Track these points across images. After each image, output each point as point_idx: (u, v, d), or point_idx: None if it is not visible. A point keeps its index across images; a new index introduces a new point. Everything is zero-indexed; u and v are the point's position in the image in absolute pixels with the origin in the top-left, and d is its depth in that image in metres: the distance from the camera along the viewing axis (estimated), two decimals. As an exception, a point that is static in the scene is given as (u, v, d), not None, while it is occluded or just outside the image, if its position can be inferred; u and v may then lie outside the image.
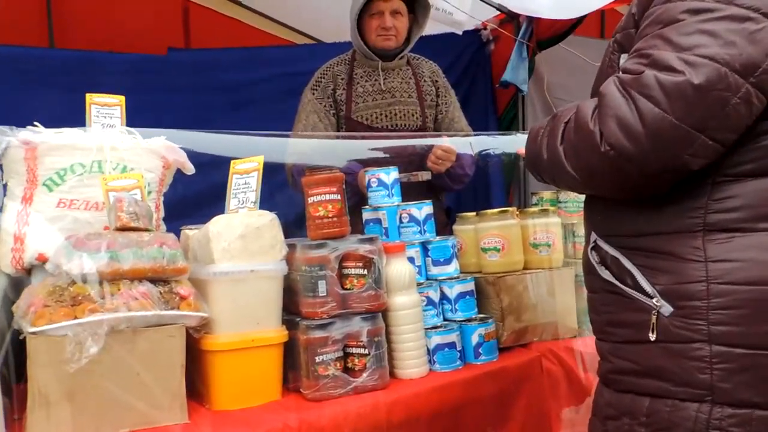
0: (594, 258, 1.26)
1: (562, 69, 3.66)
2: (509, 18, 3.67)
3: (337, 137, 2.44)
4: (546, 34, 3.54)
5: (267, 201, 1.62)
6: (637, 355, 1.17)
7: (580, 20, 3.37)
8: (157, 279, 1.36)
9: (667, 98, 1.02)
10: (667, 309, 1.12)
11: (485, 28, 3.78)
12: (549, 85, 3.64)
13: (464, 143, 2.59)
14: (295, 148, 2.50)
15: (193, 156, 1.76)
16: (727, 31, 1.01)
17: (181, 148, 1.76)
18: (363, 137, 2.43)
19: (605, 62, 1.25)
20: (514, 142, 2.38)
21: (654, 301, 1.13)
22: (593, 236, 1.28)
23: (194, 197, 2.30)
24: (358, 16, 2.49)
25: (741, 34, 1.01)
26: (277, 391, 1.50)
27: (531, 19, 3.54)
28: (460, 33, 3.45)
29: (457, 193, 3.45)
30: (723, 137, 1.05)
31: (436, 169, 2.43)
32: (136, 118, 1.71)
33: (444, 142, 2.42)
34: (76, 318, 1.23)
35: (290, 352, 1.52)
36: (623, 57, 1.20)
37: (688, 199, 1.12)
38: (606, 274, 1.22)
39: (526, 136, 1.31)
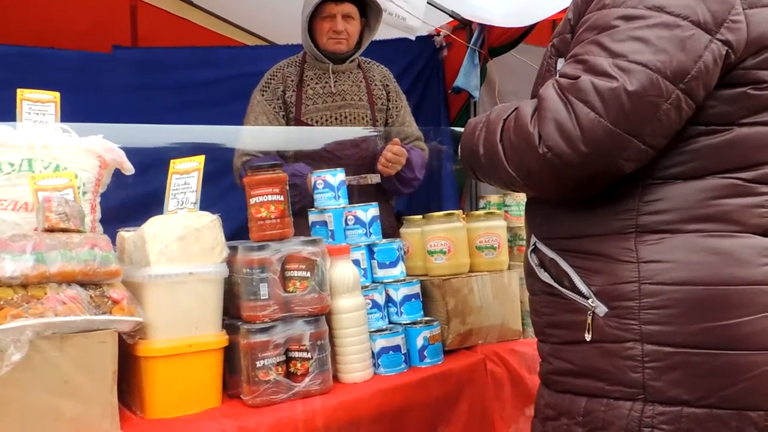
0: (533, 260, 1.27)
1: (513, 76, 3.72)
2: (462, 25, 3.71)
3: (288, 132, 2.41)
4: (498, 42, 3.60)
5: (216, 203, 1.58)
6: (575, 355, 1.19)
7: (530, 29, 3.44)
8: (88, 282, 1.30)
9: (603, 103, 1.04)
10: (601, 309, 1.14)
11: (438, 35, 3.81)
12: (500, 92, 3.69)
13: (415, 147, 2.60)
14: (243, 150, 2.46)
15: (136, 157, 1.71)
16: (659, 38, 1.04)
17: (121, 147, 1.71)
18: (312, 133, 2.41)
19: (543, 66, 1.27)
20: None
21: (589, 301, 1.15)
22: (533, 239, 1.30)
23: (138, 199, 2.23)
24: (309, 19, 2.47)
25: (671, 41, 1.04)
26: (217, 397, 1.45)
27: (483, 27, 3.59)
28: (413, 38, 3.46)
29: (409, 197, 3.46)
30: (655, 142, 1.08)
31: (386, 172, 2.43)
32: (77, 117, 1.65)
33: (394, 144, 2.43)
34: (-3, 323, 1.17)
35: (231, 357, 1.48)
36: (560, 61, 1.22)
37: (620, 201, 1.14)
38: (545, 276, 1.24)
39: None
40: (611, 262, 1.14)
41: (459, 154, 1.30)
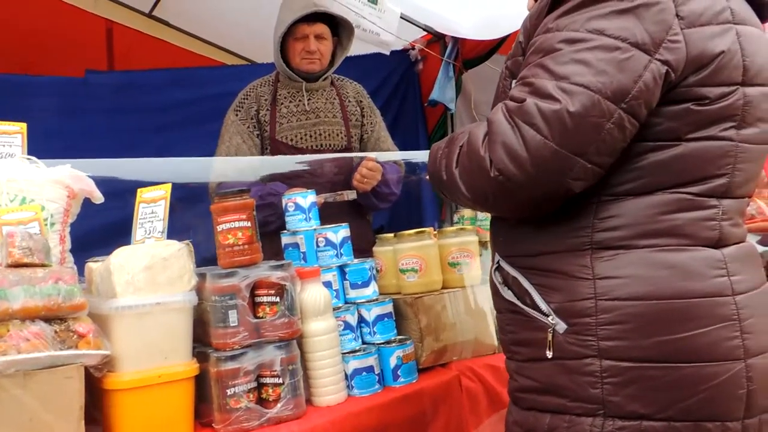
0: (497, 279, 1.29)
1: (489, 87, 3.73)
2: (436, 38, 3.75)
3: (261, 161, 2.42)
4: (472, 54, 3.64)
5: (190, 229, 1.57)
6: (538, 372, 1.20)
7: (503, 40, 3.48)
8: (53, 317, 1.29)
9: (547, 125, 1.06)
10: (561, 326, 1.15)
11: (413, 48, 3.84)
12: (476, 103, 3.73)
13: (391, 162, 2.61)
14: (219, 171, 2.46)
15: (107, 184, 1.70)
16: (599, 60, 1.07)
17: (90, 176, 1.70)
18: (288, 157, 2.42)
19: (499, 87, 1.29)
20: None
21: (549, 319, 1.17)
22: (496, 257, 1.31)
23: (110, 227, 2.23)
24: (281, 39, 2.49)
25: (611, 63, 1.06)
26: (189, 427, 1.44)
27: (457, 40, 3.63)
28: (388, 53, 3.49)
29: (391, 212, 3.48)
30: (600, 160, 1.10)
31: (361, 188, 2.45)
32: (53, 143, 1.65)
33: (369, 160, 2.44)
34: (-42, 364, 1.16)
35: (203, 385, 1.47)
36: (514, 83, 1.24)
37: (576, 218, 1.16)
38: (508, 295, 1.25)
39: None
40: (569, 279, 1.16)
41: (429, 178, 1.33)
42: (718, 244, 1.14)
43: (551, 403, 1.18)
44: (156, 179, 1.60)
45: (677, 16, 1.09)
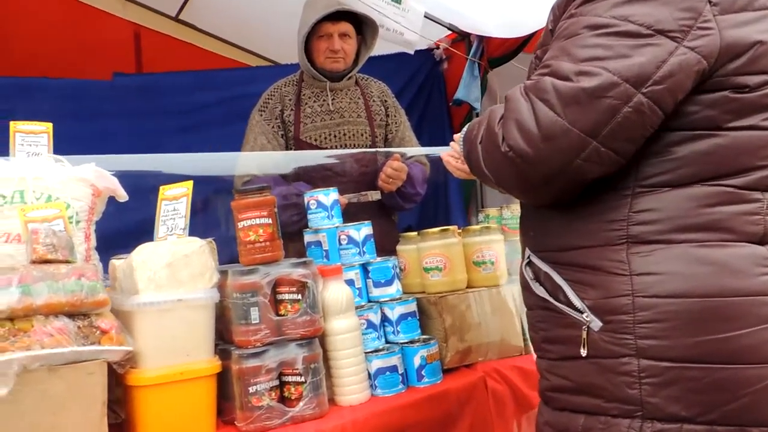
0: (528, 274, 1.26)
1: (514, 86, 3.70)
2: (461, 37, 3.71)
3: (286, 154, 2.40)
4: (497, 52, 3.59)
5: (217, 226, 1.56)
6: (571, 371, 1.17)
7: (529, 38, 3.42)
8: (76, 313, 1.30)
9: (561, 102, 1.05)
10: (596, 324, 1.12)
11: (438, 47, 3.81)
12: (502, 103, 3.67)
13: (416, 162, 2.59)
14: (244, 170, 2.46)
15: (132, 183, 1.71)
16: (621, 45, 1.04)
17: (115, 174, 1.71)
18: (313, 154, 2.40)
19: (529, 77, 1.26)
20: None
21: (584, 316, 1.13)
22: (527, 252, 1.28)
23: (136, 226, 2.24)
24: (305, 38, 2.48)
25: (633, 48, 1.04)
26: (211, 425, 1.44)
27: (482, 38, 3.58)
28: (412, 53, 3.47)
29: (418, 212, 3.45)
30: (617, 146, 1.06)
31: (386, 188, 2.42)
32: (77, 145, 1.66)
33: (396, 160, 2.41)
34: (-17, 358, 1.17)
35: (225, 382, 1.47)
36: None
37: (610, 211, 1.12)
38: (540, 291, 1.22)
39: None
40: (604, 275, 1.12)
41: (465, 160, 1.31)
42: (763, 240, 1.09)
43: (585, 403, 1.14)
44: (180, 172, 1.60)
45: (709, 2, 1.05)
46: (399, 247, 1.91)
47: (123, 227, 2.22)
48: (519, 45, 3.48)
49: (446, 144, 3.83)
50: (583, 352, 1.13)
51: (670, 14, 1.04)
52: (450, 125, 3.84)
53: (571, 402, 1.17)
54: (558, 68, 1.07)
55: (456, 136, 1.42)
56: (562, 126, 1.05)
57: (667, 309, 1.07)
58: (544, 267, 1.21)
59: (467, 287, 1.81)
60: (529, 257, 1.27)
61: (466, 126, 1.33)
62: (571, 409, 1.17)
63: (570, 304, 1.15)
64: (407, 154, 2.58)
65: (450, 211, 3.66)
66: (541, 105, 1.06)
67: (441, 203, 3.66)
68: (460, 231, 1.87)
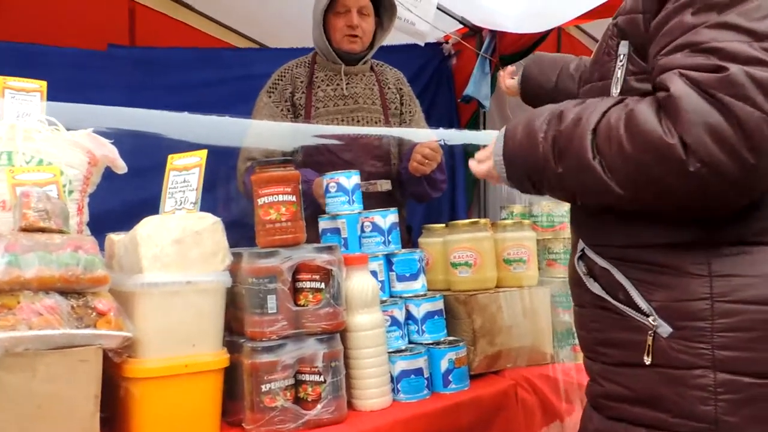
0: (581, 269, 1.13)
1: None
2: (472, 32, 3.60)
3: (297, 129, 2.23)
4: (509, 50, 3.47)
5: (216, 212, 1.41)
6: (631, 379, 1.04)
7: (542, 38, 3.32)
8: (70, 290, 1.12)
9: (766, 97, 0.85)
10: (665, 329, 1.00)
11: (447, 42, 3.69)
12: (510, 102, 3.56)
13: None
14: (248, 153, 2.29)
15: (132, 159, 1.54)
16: None
17: (113, 143, 1.54)
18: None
19: (602, 48, 1.11)
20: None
21: (650, 319, 1.01)
22: (581, 245, 1.15)
23: (135, 205, 2.05)
24: (323, 14, 2.33)
25: None
26: (215, 425, 1.27)
27: (494, 34, 3.47)
28: (422, 44, 3.34)
29: (425, 210, 3.30)
30: None
31: (421, 171, 2.21)
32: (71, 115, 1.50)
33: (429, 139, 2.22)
34: (-42, 337, 0.99)
35: (232, 379, 1.29)
36: (623, 44, 1.06)
37: None
38: (595, 288, 1.10)
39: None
40: (677, 275, 0.99)
41: (504, 166, 1.10)
42: None
43: (646, 416, 1.02)
44: (185, 139, 1.43)
45: None
46: (422, 240, 1.76)
47: (118, 206, 2.04)
48: (532, 44, 3.37)
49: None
50: (647, 360, 1.01)
51: None
52: (457, 122, 3.72)
53: (628, 412, 1.05)
54: (736, 51, 0.87)
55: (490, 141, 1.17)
56: None
57: (753, 317, 0.94)
58: (602, 262, 1.08)
59: (496, 287, 1.66)
60: (582, 250, 1.13)
61: (502, 134, 1.11)
62: (630, 420, 1.05)
63: (633, 305, 1.03)
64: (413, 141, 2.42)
65: (456, 211, 3.53)
66: (740, 105, 0.85)
67: (445, 201, 3.52)
68: (491, 225, 1.72)
